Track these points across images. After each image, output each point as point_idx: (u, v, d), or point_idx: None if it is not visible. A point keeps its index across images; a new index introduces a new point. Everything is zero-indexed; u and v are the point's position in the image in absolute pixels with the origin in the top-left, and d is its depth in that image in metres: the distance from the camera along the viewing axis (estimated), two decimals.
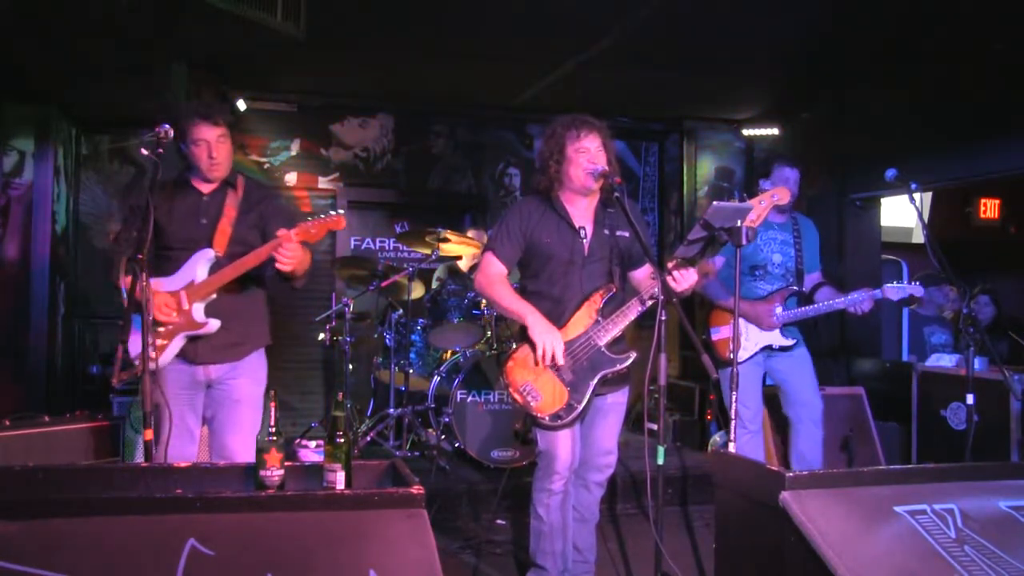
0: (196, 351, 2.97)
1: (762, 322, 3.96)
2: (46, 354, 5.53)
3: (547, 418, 2.94)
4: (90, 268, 5.96)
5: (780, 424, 4.40)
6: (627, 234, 3.08)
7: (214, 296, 2.95)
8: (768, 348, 4.00)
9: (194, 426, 3.04)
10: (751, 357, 3.98)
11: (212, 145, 2.96)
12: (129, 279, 2.80)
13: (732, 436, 3.13)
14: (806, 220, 4.25)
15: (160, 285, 2.93)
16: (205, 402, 3.07)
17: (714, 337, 4.08)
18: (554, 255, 3.03)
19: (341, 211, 2.93)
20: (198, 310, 2.93)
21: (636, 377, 3.11)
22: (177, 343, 2.93)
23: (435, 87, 6.29)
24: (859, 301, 3.88)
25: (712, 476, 2.58)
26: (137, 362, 2.77)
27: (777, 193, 3.05)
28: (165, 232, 2.97)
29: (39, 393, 5.42)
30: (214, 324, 2.95)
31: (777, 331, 3.99)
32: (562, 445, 2.98)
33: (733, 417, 3.10)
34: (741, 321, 3.85)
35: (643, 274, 3.15)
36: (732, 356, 3.36)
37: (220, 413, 3.04)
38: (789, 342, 4.00)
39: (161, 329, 2.90)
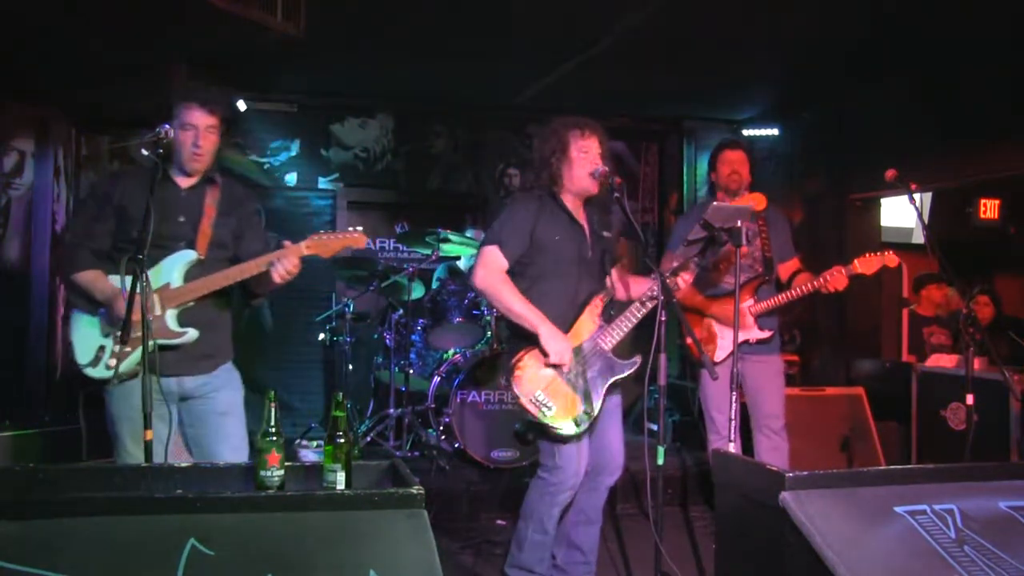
0: (163, 361, 2.64)
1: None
2: (46, 354, 5.53)
3: (563, 428, 2.84)
4: None
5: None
6: (609, 234, 3.11)
7: (191, 304, 2.71)
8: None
9: (163, 433, 2.66)
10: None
11: (200, 133, 2.70)
12: (87, 274, 2.70)
13: (732, 436, 3.13)
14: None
15: (125, 283, 2.61)
16: (183, 417, 2.81)
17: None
18: (563, 254, 2.99)
19: (360, 228, 2.74)
20: (171, 317, 2.69)
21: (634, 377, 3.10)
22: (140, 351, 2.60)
23: (435, 87, 6.28)
24: None
25: (712, 476, 2.58)
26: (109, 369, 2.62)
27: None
28: (137, 225, 2.65)
29: (39, 393, 5.42)
30: (192, 334, 2.71)
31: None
32: (576, 458, 2.92)
33: (733, 418, 3.11)
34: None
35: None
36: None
37: (205, 428, 2.81)
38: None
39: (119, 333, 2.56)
